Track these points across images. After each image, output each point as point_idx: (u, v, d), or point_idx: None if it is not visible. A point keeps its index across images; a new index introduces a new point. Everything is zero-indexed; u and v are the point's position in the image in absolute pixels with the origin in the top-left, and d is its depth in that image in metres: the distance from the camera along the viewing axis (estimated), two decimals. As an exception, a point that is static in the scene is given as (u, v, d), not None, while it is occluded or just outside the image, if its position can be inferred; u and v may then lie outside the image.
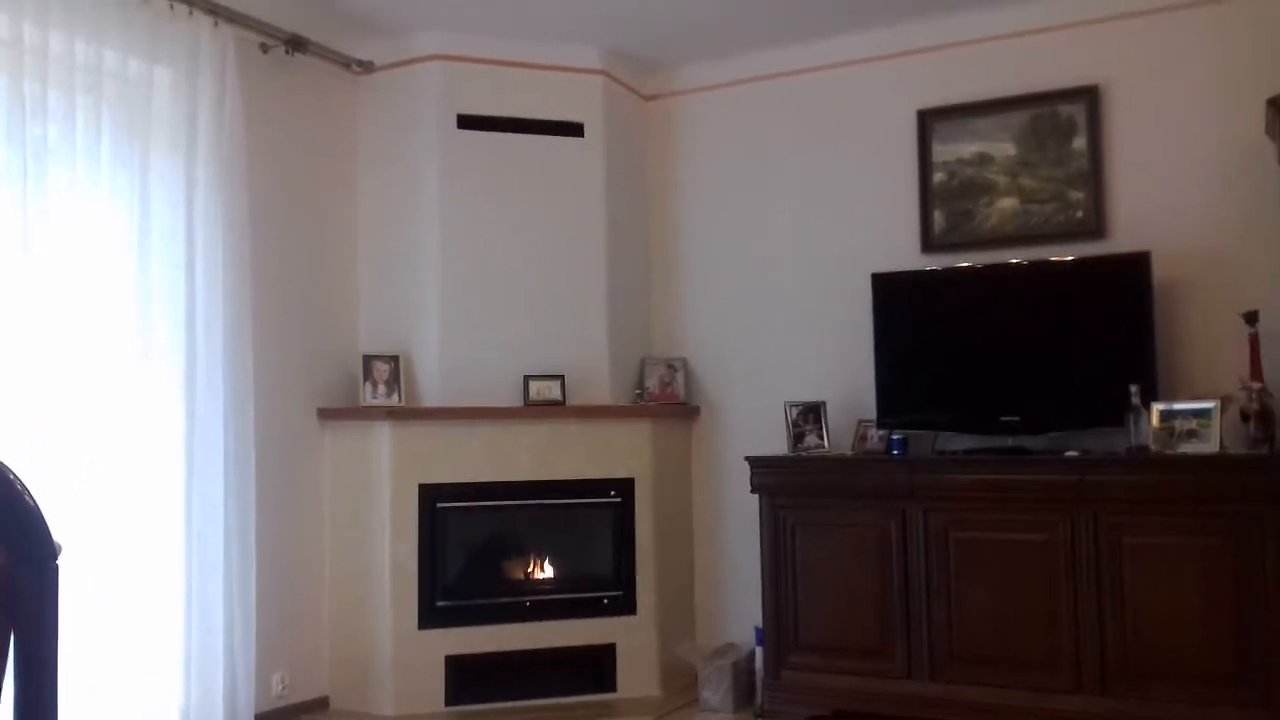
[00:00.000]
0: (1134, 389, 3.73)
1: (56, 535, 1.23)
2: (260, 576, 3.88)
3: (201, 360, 3.67)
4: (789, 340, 4.69)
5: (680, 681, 4.51)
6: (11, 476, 1.07)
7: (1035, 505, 3.73)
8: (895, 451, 4.11)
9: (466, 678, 4.26)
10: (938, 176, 4.42)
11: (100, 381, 3.34)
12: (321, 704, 4.29)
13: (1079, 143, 4.20)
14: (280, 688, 4.12)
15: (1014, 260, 4.13)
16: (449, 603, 4.28)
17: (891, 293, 4.27)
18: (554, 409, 4.43)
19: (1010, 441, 3.99)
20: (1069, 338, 3.98)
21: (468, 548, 4.43)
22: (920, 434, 4.21)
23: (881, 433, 4.27)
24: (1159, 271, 3.90)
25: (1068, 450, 3.81)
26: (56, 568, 1.09)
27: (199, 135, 3.69)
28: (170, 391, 3.57)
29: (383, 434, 4.27)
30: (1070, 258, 4.05)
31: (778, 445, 4.43)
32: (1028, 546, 3.73)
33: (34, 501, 1.07)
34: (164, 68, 3.61)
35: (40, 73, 3.18)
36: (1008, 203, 4.32)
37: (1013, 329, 4.09)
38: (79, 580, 3.25)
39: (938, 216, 4.42)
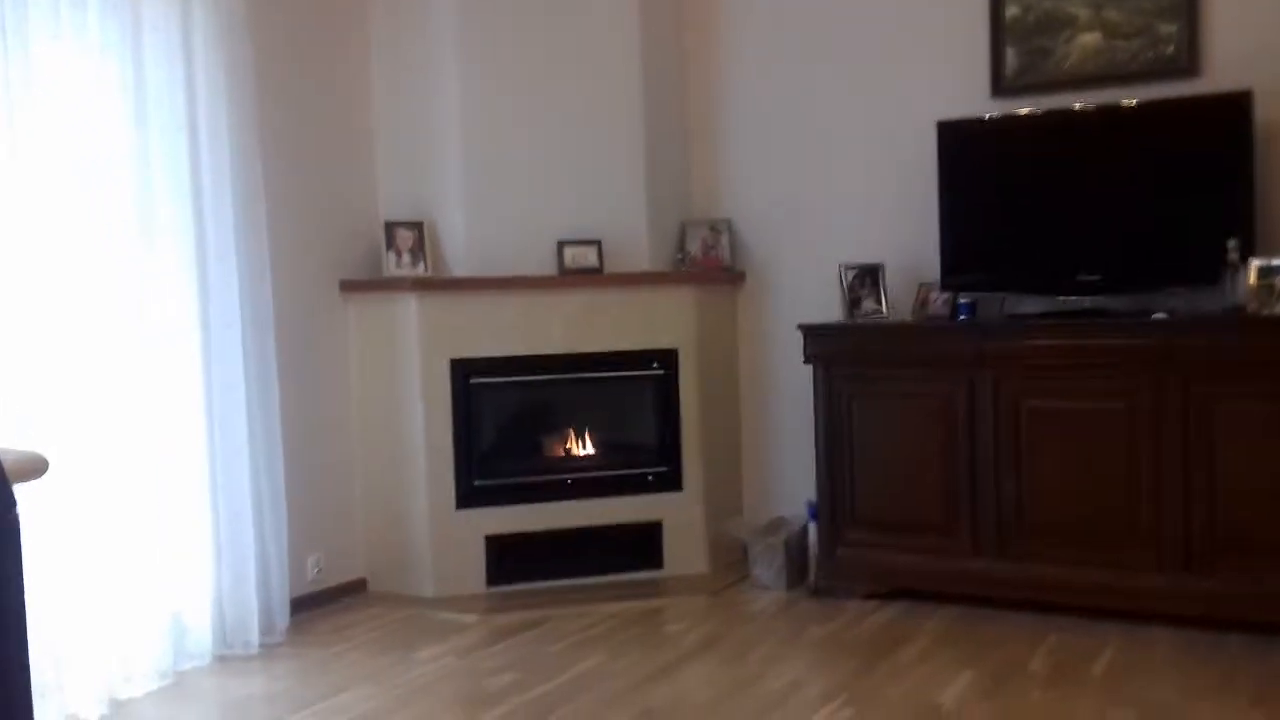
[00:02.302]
0: (1231, 243, 3.38)
1: (38, 459, 0.97)
2: (288, 458, 3.69)
3: (211, 232, 3.40)
4: (842, 197, 4.33)
5: (728, 558, 4.33)
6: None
7: (1117, 372, 3.44)
8: (962, 316, 3.80)
9: (508, 557, 4.10)
10: (1010, 10, 3.98)
11: (101, 258, 3.07)
12: (359, 586, 4.16)
13: (1172, -32, 3.74)
14: (315, 571, 3.98)
15: (1097, 103, 3.72)
16: (487, 481, 4.09)
17: (959, 142, 3.88)
18: (590, 277, 4.14)
19: (1088, 303, 3.67)
20: (1158, 188, 3.62)
21: (504, 425, 4.22)
22: (987, 297, 3.89)
23: (945, 296, 3.95)
24: (1261, 113, 3.50)
25: (1154, 312, 3.48)
26: (15, 517, 0.84)
27: (193, -20, 3.32)
28: (179, 265, 3.31)
29: (409, 307, 4.00)
30: (1160, 98, 3.64)
31: (831, 312, 4.12)
32: (1108, 416, 3.45)
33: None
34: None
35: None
36: (1089, 38, 3.88)
37: (1094, 179, 3.72)
38: (96, 470, 3.05)
39: (1010, 56, 3.99)
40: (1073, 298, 3.72)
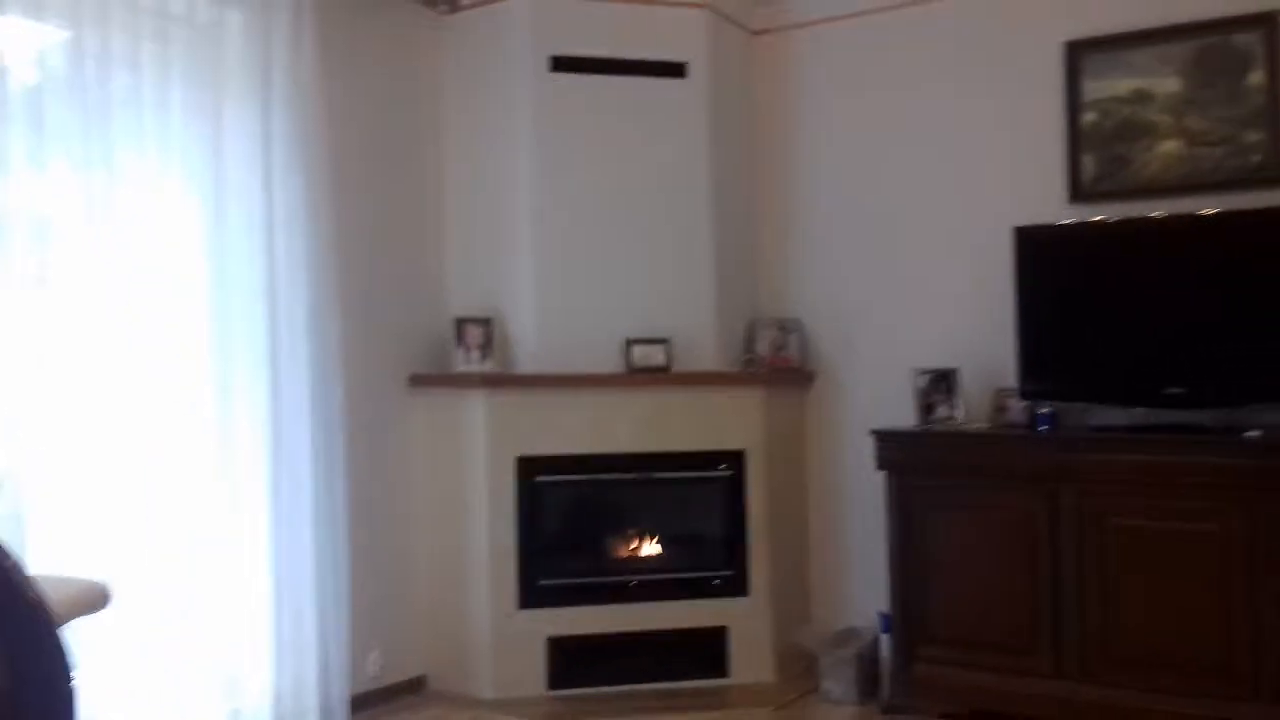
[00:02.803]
0: (1327, 359, 3.25)
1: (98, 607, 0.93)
2: (353, 552, 3.66)
3: (284, 331, 3.42)
4: (915, 300, 4.26)
5: (796, 668, 4.19)
6: (9, 565, 0.78)
7: (1207, 492, 3.29)
8: (1042, 425, 3.69)
9: (570, 660, 4.01)
10: (1088, 117, 3.93)
11: (174, 358, 3.10)
12: (418, 684, 4.09)
13: (1256, 77, 3.67)
14: (376, 668, 3.92)
15: (1178, 211, 3.64)
16: (550, 581, 4.01)
17: (1037, 248, 3.81)
18: (658, 376, 4.10)
19: (1175, 417, 3.54)
20: (1245, 300, 3.49)
21: (569, 524, 4.16)
22: (1067, 407, 3.78)
23: (1024, 404, 3.85)
24: (1355, 222, 3.39)
25: (1246, 428, 3.35)
26: (71, 688, 0.78)
27: (274, 84, 3.40)
28: (251, 364, 3.32)
29: (477, 403, 3.99)
30: (1254, 207, 3.54)
31: (903, 416, 4.04)
32: (1198, 537, 3.29)
33: (38, 600, 0.77)
34: (235, 11, 3.31)
35: (102, 20, 2.90)
36: (1170, 146, 3.81)
37: (1178, 290, 3.61)
38: (160, 569, 3.04)
39: (1088, 162, 3.93)
40: (1156, 411, 3.59)
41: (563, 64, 4.13)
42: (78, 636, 1.47)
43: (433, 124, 4.21)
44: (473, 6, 4.20)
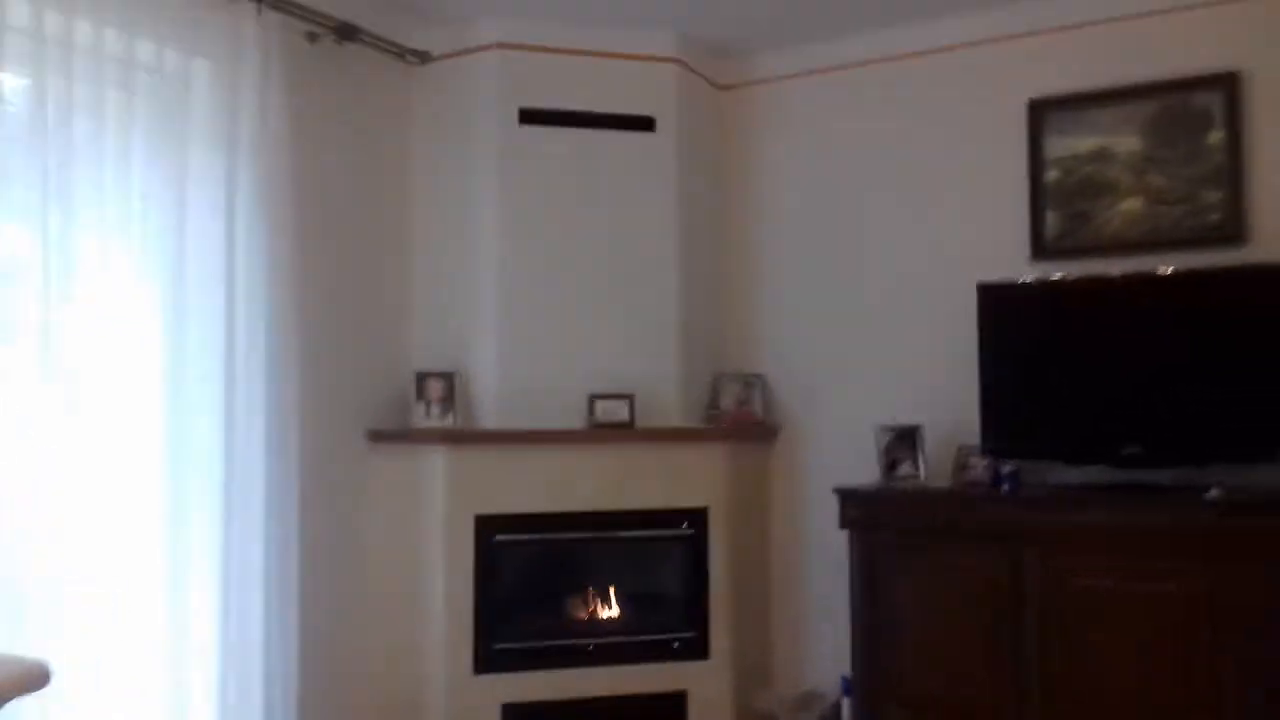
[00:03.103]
0: (1287, 419, 3.26)
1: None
2: (303, 616, 3.55)
3: (241, 385, 3.32)
4: (880, 355, 4.26)
5: (758, 730, 4.11)
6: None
7: (1166, 551, 3.28)
8: (1004, 485, 3.67)
9: (526, 726, 3.90)
10: (1051, 174, 3.96)
11: (126, 411, 3.01)
12: (370, 750, 3.96)
13: (1215, 137, 3.72)
14: (326, 734, 3.79)
15: (1138, 270, 3.66)
16: (506, 645, 3.92)
17: (1001, 304, 3.82)
18: (621, 431, 4.05)
19: (1135, 476, 3.53)
20: (1203, 359, 3.51)
21: (528, 584, 4.07)
22: (1030, 465, 3.76)
23: (986, 462, 3.83)
24: (1313, 285, 3.42)
25: (1207, 486, 3.33)
26: None
27: (241, 133, 3.34)
28: (206, 419, 3.23)
29: (437, 459, 3.91)
30: (1212, 265, 3.57)
31: (866, 471, 4.01)
32: (1159, 598, 3.27)
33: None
34: (203, 59, 3.27)
35: (65, 67, 2.85)
36: (1132, 204, 3.84)
37: (1137, 347, 3.62)
38: (103, 633, 2.93)
39: (1050, 219, 3.96)
40: (1117, 470, 3.58)
41: (531, 116, 4.13)
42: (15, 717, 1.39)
43: (400, 175, 4.18)
44: (443, 58, 4.19)
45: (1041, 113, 3.98)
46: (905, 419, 4.03)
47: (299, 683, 3.51)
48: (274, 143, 3.42)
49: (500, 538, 3.93)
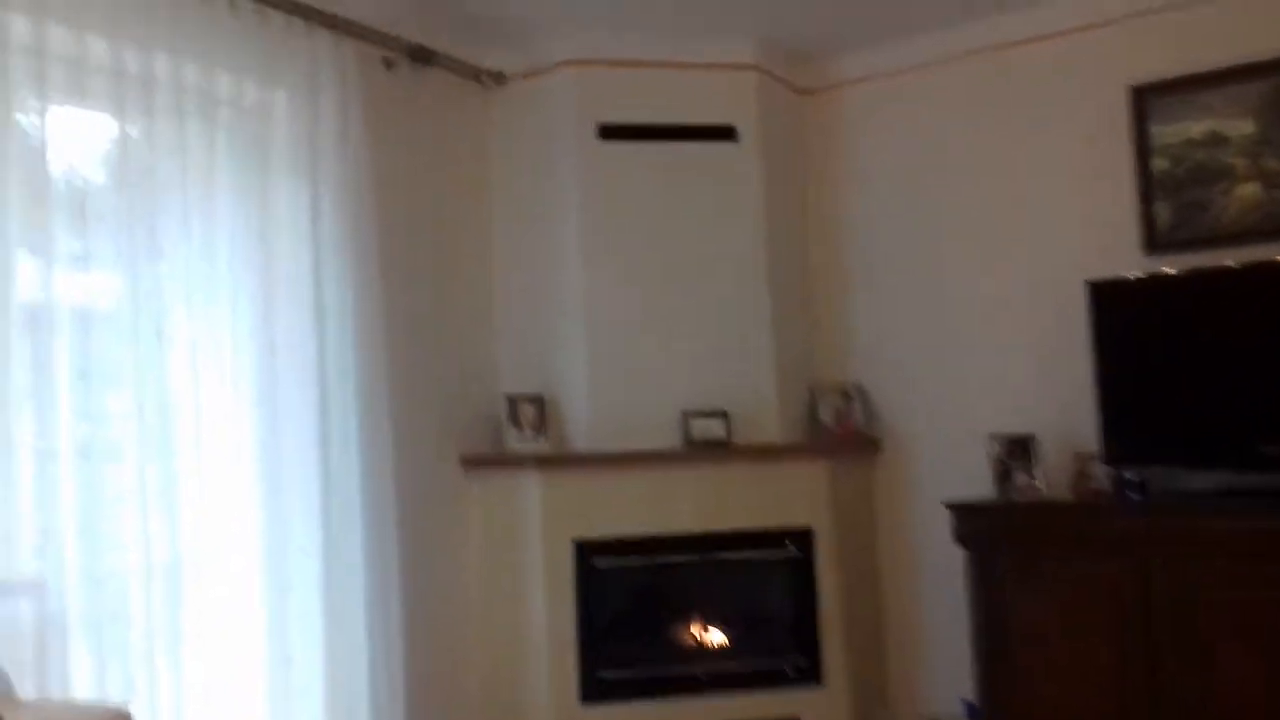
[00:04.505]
0: None
1: None
2: (406, 647, 3.47)
3: (335, 416, 3.27)
4: (983, 360, 4.07)
5: (875, 757, 3.93)
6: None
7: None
8: (1130, 493, 3.46)
9: (635, 758, 3.77)
10: (1159, 163, 3.76)
11: (220, 450, 2.96)
12: (475, 785, 3.86)
13: (1337, 114, 3.50)
14: (430, 770, 3.70)
15: (1267, 258, 3.43)
16: (613, 674, 3.79)
17: (1114, 302, 3.62)
18: (718, 451, 3.91)
19: (1269, 480, 3.30)
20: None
21: (630, 610, 3.94)
22: (1154, 471, 3.54)
23: (1107, 469, 3.62)
24: None
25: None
26: None
27: (322, 163, 3.31)
28: (300, 453, 3.17)
29: (532, 484, 3.82)
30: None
31: (977, 484, 3.82)
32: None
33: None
34: (282, 90, 3.24)
35: (146, 103, 2.83)
36: (1249, 189, 3.62)
37: (1270, 340, 3.39)
38: (204, 674, 2.87)
39: (1161, 210, 3.75)
40: (1253, 473, 3.35)
41: (611, 132, 4.03)
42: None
43: (481, 198, 4.11)
44: (519, 78, 4.12)
45: (1145, 99, 3.78)
46: (1011, 426, 3.84)
47: (405, 714, 3.43)
48: (355, 171, 3.38)
49: (599, 562, 3.82)
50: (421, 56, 3.70)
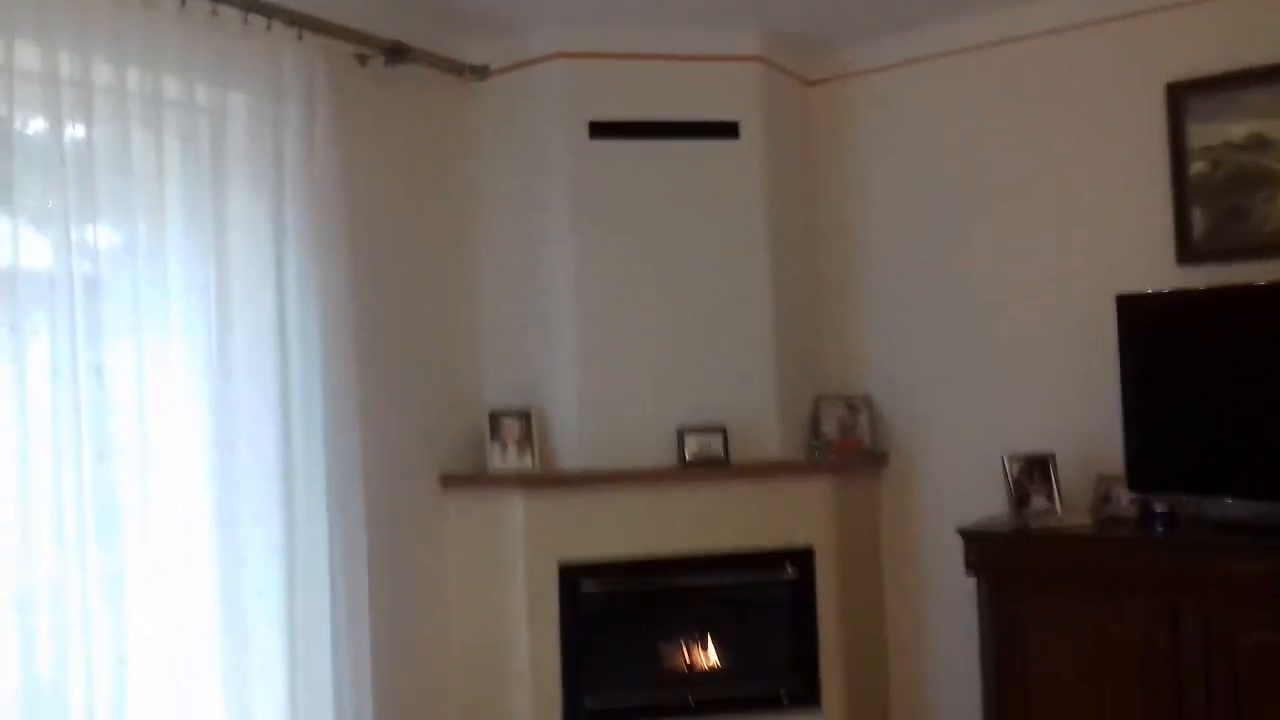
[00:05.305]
0: None
1: None
2: (376, 673, 3.29)
3: (298, 438, 3.07)
4: (1000, 374, 3.81)
5: (877, 793, 3.75)
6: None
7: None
8: (1157, 525, 3.21)
9: (623, 790, 3.60)
10: (1196, 166, 3.46)
11: (173, 486, 2.77)
12: (456, 821, 3.70)
13: (1391, 114, 3.19)
14: (406, 806, 3.54)
15: (1313, 273, 3.16)
16: (599, 705, 3.61)
17: (1144, 318, 3.35)
18: (715, 469, 3.69)
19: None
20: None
21: (618, 636, 3.74)
22: (1181, 498, 3.30)
23: (1131, 495, 3.38)
24: None
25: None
26: None
27: (285, 172, 3.08)
28: (261, 485, 2.98)
29: (515, 505, 3.62)
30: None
31: (990, 505, 3.59)
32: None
33: None
34: (239, 93, 3.00)
35: (84, 109, 2.61)
36: (1293, 197, 3.33)
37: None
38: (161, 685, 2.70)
39: (1198, 217, 3.47)
40: (1292, 505, 3.10)
41: (602, 129, 3.78)
42: None
43: (463, 200, 3.87)
44: (503, 71, 3.86)
45: (1182, 97, 3.47)
46: (1029, 443, 3.60)
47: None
48: (322, 179, 3.14)
49: (586, 587, 3.63)
50: (397, 52, 3.45)
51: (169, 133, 2.81)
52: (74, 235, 2.55)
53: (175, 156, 2.83)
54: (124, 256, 2.67)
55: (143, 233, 2.72)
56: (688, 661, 3.80)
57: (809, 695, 3.71)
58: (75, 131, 2.59)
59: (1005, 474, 3.55)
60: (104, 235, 2.63)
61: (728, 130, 3.85)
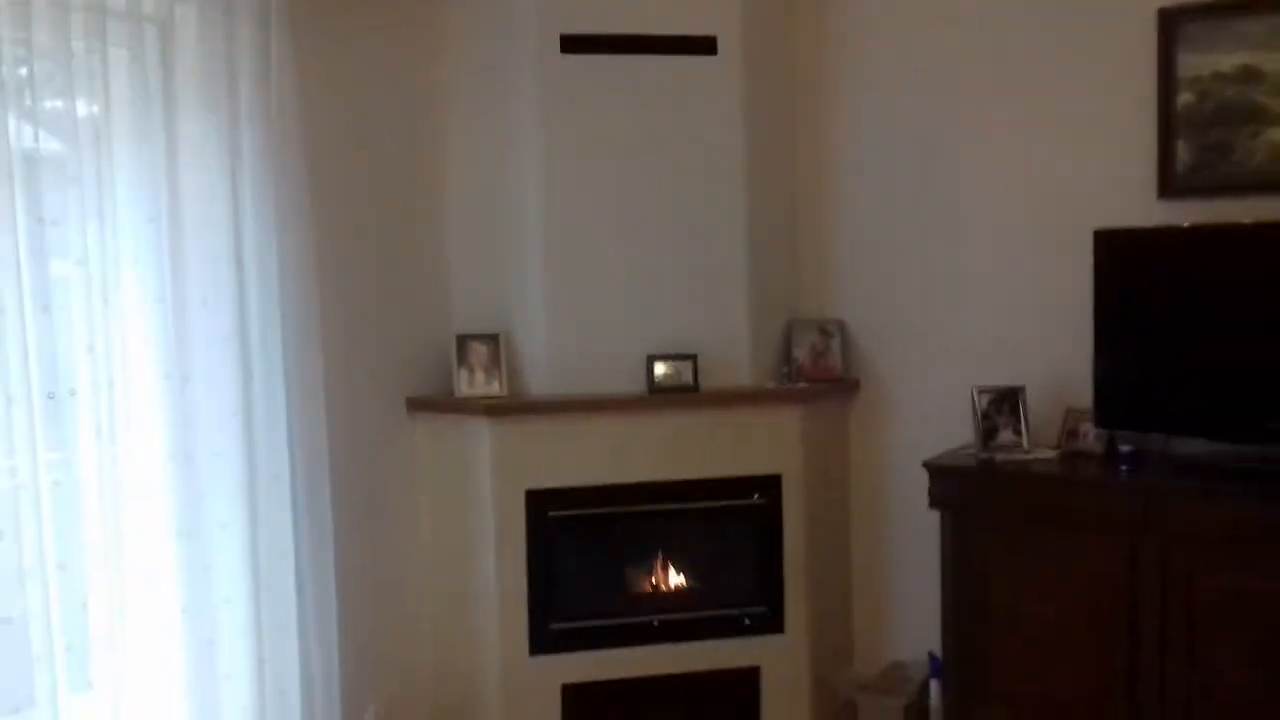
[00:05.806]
0: None
1: None
2: (343, 600, 3.32)
3: (258, 367, 3.02)
4: (974, 303, 3.77)
5: (836, 710, 3.83)
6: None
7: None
8: (1122, 464, 3.22)
9: (587, 709, 3.67)
10: (1184, 97, 3.37)
11: (129, 414, 2.71)
12: (423, 736, 3.77)
13: (1387, 50, 3.09)
14: (375, 722, 3.60)
15: (1290, 213, 3.11)
16: (565, 625, 3.66)
17: (1123, 254, 3.30)
18: (684, 397, 3.66)
19: (1274, 453, 3.05)
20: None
21: (585, 561, 3.76)
22: (1148, 436, 3.31)
23: (1099, 432, 3.38)
24: None
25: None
26: None
27: (240, 90, 2.94)
28: (219, 410, 2.93)
29: (482, 431, 3.59)
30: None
31: (958, 432, 3.59)
32: (1307, 605, 2.84)
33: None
34: (186, 5, 2.84)
35: (22, 17, 2.45)
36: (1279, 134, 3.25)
37: (1287, 306, 3.10)
38: (124, 615, 2.71)
39: (1182, 150, 3.39)
40: (1257, 447, 3.10)
41: (574, 44, 3.62)
42: None
43: (430, 118, 3.72)
44: (471, -19, 3.69)
45: (1174, 23, 3.35)
46: (1001, 373, 3.58)
47: (340, 675, 3.31)
48: (280, 95, 3.02)
49: (554, 513, 3.63)
50: (359, -44, 3.28)
51: (113, 47, 2.66)
52: (15, 156, 2.42)
53: (120, 73, 2.68)
54: (70, 185, 2.54)
55: (88, 158, 2.60)
56: (653, 586, 3.84)
57: (773, 621, 3.76)
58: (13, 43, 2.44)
59: (974, 407, 3.54)
60: (48, 159, 2.50)
61: (705, 46, 3.70)
